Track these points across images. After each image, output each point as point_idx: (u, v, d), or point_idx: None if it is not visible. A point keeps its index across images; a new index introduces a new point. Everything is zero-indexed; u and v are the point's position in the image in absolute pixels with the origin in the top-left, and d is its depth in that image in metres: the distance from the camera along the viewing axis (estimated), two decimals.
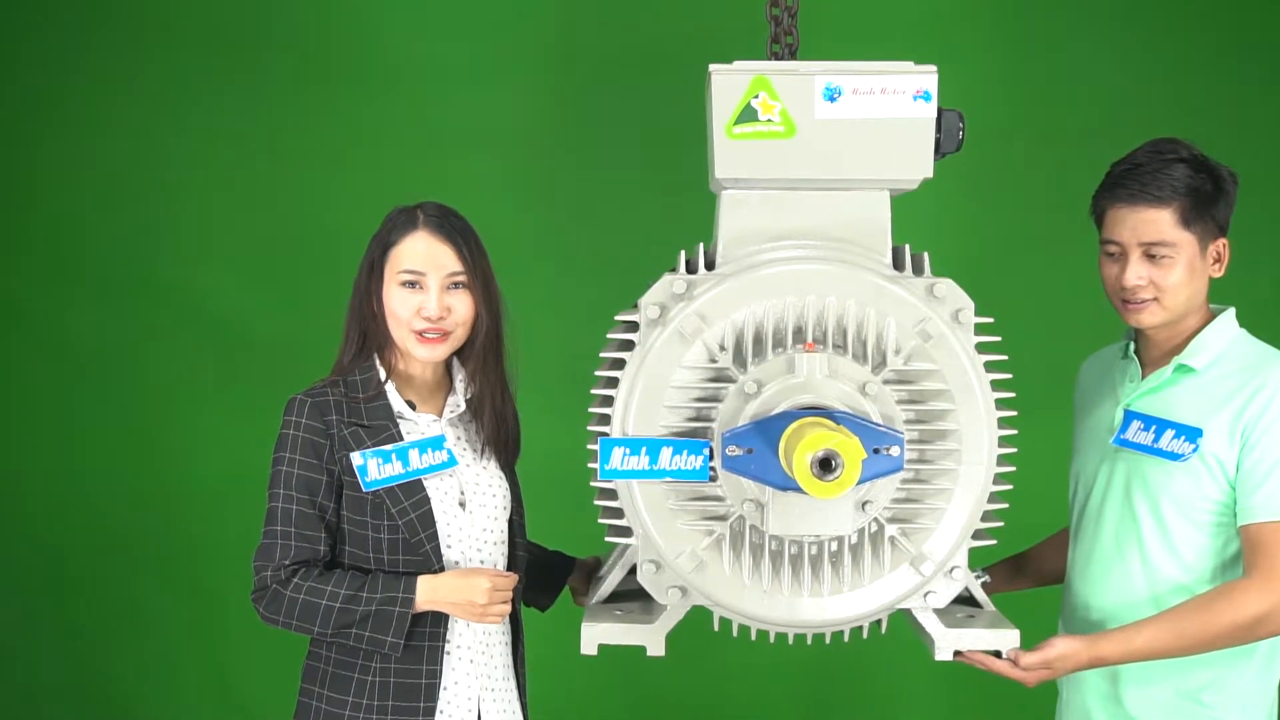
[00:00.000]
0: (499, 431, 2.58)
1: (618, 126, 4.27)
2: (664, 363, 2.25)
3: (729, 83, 2.30)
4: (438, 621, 2.43)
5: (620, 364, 2.34)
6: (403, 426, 2.48)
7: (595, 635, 2.39)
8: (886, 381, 2.25)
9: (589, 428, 2.38)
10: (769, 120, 2.31)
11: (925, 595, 2.33)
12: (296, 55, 4.30)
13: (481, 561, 2.50)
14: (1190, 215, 2.39)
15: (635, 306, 2.33)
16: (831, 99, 2.31)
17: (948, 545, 2.29)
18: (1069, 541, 2.64)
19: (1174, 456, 2.40)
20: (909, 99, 2.31)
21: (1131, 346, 2.56)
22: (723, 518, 2.27)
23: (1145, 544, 2.45)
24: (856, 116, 2.30)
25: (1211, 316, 2.47)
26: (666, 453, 2.25)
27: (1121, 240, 2.43)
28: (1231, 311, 2.47)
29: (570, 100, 4.35)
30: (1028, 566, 2.81)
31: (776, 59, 2.73)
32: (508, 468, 2.62)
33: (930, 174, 2.33)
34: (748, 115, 2.31)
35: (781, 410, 2.20)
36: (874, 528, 2.28)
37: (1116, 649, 2.33)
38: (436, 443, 2.47)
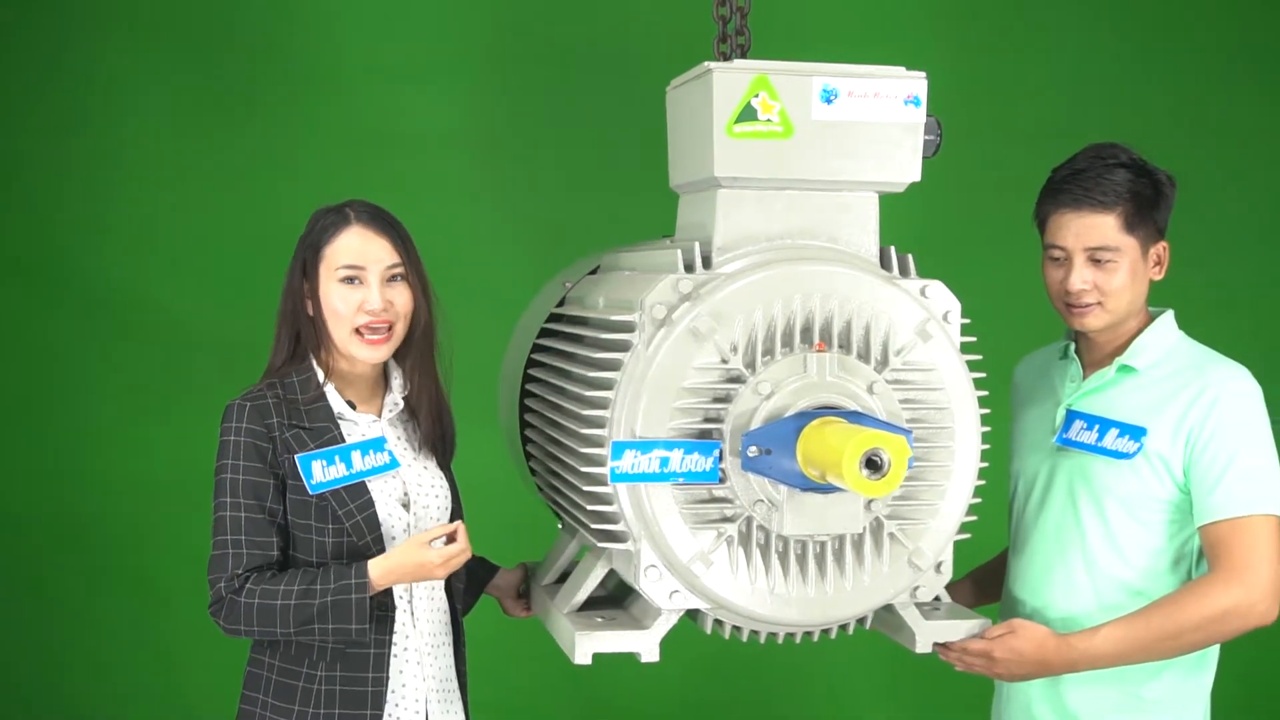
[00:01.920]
0: (435, 429, 2.56)
1: (560, 127, 4.33)
2: (676, 363, 2.21)
3: (730, 81, 2.28)
4: (383, 626, 2.41)
5: (605, 365, 2.29)
6: (344, 427, 2.46)
7: (590, 645, 2.33)
8: (889, 381, 2.28)
9: (585, 430, 2.31)
10: (768, 120, 2.30)
11: (915, 590, 2.38)
12: (243, 55, 4.28)
13: None
14: (1133, 220, 2.46)
15: (637, 307, 2.27)
16: (828, 100, 2.32)
17: (941, 540, 2.35)
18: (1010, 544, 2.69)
19: (1120, 455, 2.45)
20: (900, 103, 2.35)
21: (1072, 347, 2.62)
22: (731, 519, 2.25)
23: (1088, 543, 2.49)
24: (851, 119, 2.33)
25: (1151, 318, 2.55)
26: (677, 454, 2.22)
27: (1066, 245, 2.49)
28: (1170, 314, 2.55)
29: (513, 100, 4.40)
30: (990, 580, 2.80)
31: (724, 59, 2.74)
32: (444, 466, 2.60)
33: (918, 177, 2.38)
34: (748, 114, 2.29)
35: (798, 411, 2.20)
36: (874, 525, 2.31)
37: (1082, 640, 2.38)
38: (378, 444, 2.45)
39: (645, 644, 2.34)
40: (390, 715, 2.42)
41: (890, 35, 4.34)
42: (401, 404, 2.56)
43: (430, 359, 2.56)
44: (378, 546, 2.39)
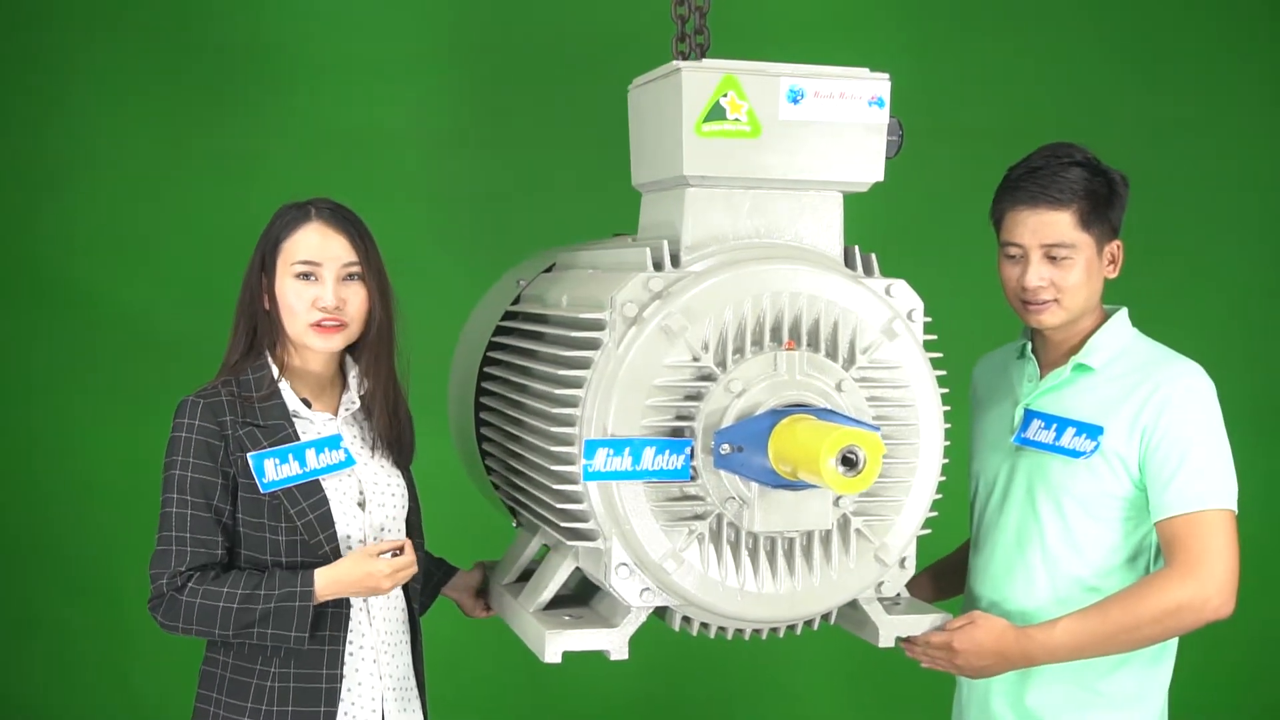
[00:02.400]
0: (391, 429, 2.56)
1: (520, 125, 4.34)
2: (647, 361, 2.21)
3: (699, 80, 2.28)
4: (338, 624, 2.41)
5: (574, 363, 2.29)
6: (298, 425, 2.45)
7: (560, 643, 2.33)
8: (856, 379, 2.30)
9: (554, 429, 2.30)
10: (736, 120, 2.31)
11: (880, 585, 2.41)
12: (209, 54, 4.25)
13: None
14: (1089, 217, 2.49)
15: (607, 304, 2.27)
16: (795, 101, 2.34)
17: (905, 536, 2.38)
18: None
19: (1076, 454, 2.49)
20: (865, 104, 2.37)
21: (1028, 347, 2.65)
22: (701, 517, 2.26)
23: (1047, 541, 2.52)
24: (817, 119, 2.35)
25: (1105, 317, 2.59)
26: (649, 453, 2.22)
27: (1022, 242, 2.52)
28: (1124, 311, 2.59)
29: (473, 98, 4.40)
30: (952, 574, 2.83)
31: (683, 58, 2.75)
32: (402, 467, 2.59)
33: (881, 177, 2.41)
34: (716, 113, 2.30)
35: (770, 408, 2.21)
36: (841, 522, 2.33)
37: (1041, 633, 2.41)
38: (333, 442, 2.44)
39: (615, 642, 2.34)
40: (346, 714, 2.43)
41: (849, 35, 4.39)
42: (358, 402, 2.55)
43: (386, 359, 2.55)
44: (331, 545, 2.40)
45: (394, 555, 2.39)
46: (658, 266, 2.30)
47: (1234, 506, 2.41)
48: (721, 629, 2.39)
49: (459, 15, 4.38)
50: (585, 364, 2.28)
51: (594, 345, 2.28)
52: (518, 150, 4.39)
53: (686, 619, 2.37)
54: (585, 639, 2.34)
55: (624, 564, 2.27)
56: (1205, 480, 2.40)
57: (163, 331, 4.27)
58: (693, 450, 2.23)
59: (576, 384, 2.28)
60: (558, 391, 2.32)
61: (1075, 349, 2.58)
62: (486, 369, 2.85)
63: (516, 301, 2.87)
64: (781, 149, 2.33)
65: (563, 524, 2.35)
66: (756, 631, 2.41)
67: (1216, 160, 4.66)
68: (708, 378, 2.24)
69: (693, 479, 2.24)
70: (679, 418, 2.24)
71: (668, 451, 2.23)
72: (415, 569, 2.44)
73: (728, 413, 2.22)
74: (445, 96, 4.40)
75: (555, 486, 2.31)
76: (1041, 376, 2.61)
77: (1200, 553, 2.37)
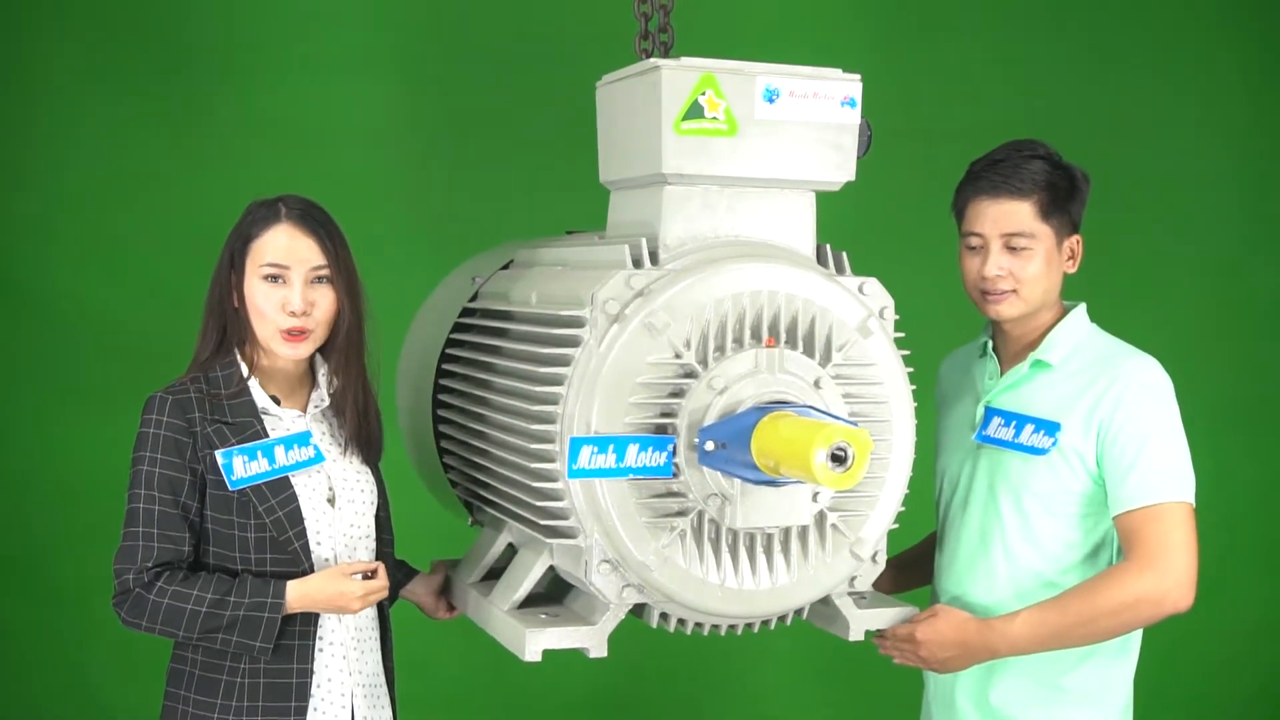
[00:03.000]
0: (361, 429, 2.55)
1: (490, 123, 4.34)
2: (631, 359, 2.21)
3: (678, 79, 2.29)
4: (308, 620, 2.40)
5: (553, 360, 2.29)
6: (267, 423, 2.44)
7: (540, 642, 2.32)
8: (832, 376, 2.33)
9: (534, 427, 2.29)
10: (714, 118, 2.32)
11: (853, 580, 2.43)
12: (168, 49, 4.19)
13: (349, 557, 2.47)
14: (1049, 208, 2.52)
15: (587, 302, 2.27)
16: (770, 100, 2.36)
17: (879, 530, 2.41)
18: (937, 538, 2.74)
19: (1035, 451, 2.51)
20: (837, 104, 2.40)
21: (989, 344, 2.68)
22: (683, 513, 2.27)
23: (1008, 537, 2.54)
24: (792, 119, 2.36)
25: (1064, 312, 2.62)
26: (633, 450, 2.22)
27: (983, 232, 2.55)
28: (1083, 307, 2.63)
29: (442, 95, 4.39)
30: (914, 567, 2.85)
31: (646, 56, 2.76)
32: (371, 464, 2.59)
33: (853, 177, 2.43)
34: (694, 112, 2.31)
35: (751, 405, 2.23)
36: (818, 518, 2.35)
37: (1002, 624, 2.44)
38: (303, 439, 2.44)
39: (594, 639, 2.35)
40: (316, 709, 2.42)
41: (812, 34, 4.42)
42: (328, 400, 2.55)
43: (356, 360, 2.54)
44: (300, 542, 2.39)
45: (366, 577, 2.41)
46: (637, 264, 2.31)
47: (1191, 499, 2.45)
48: (698, 625, 2.40)
49: (426, 13, 4.39)
50: (565, 361, 2.27)
51: (574, 343, 2.28)
52: (484, 148, 4.39)
53: (664, 615, 2.37)
54: (565, 637, 2.34)
55: (606, 561, 2.27)
56: (1162, 474, 2.44)
57: (129, 329, 4.26)
58: (675, 447, 2.24)
59: (556, 381, 2.28)
60: (536, 389, 2.31)
61: (1034, 345, 2.60)
62: (446, 366, 2.83)
63: (474, 299, 2.85)
64: (757, 148, 2.35)
65: (541, 521, 2.34)
66: (732, 627, 2.43)
67: (1174, 159, 4.74)
68: (690, 375, 2.25)
69: (675, 475, 2.25)
70: (662, 415, 2.24)
71: (651, 449, 2.23)
72: (386, 593, 2.47)
73: (710, 410, 2.23)
74: (411, 94, 4.40)
75: (535, 484, 2.30)
76: (1001, 374, 2.64)
77: (1158, 546, 2.40)
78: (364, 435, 2.56)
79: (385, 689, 2.57)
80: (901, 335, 2.44)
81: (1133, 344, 2.59)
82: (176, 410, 2.37)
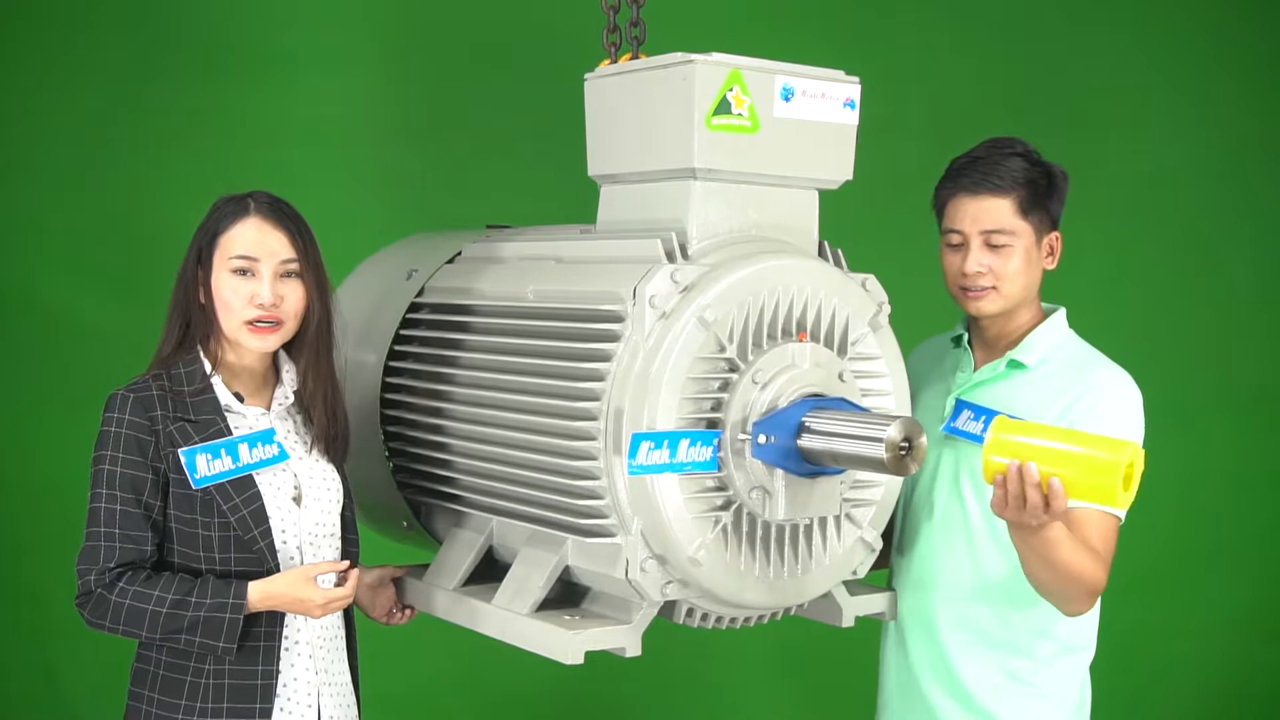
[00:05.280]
0: (330, 427, 2.51)
1: (461, 118, 4.28)
2: (684, 354, 2.20)
3: (710, 74, 2.30)
4: (274, 620, 2.39)
5: (590, 356, 2.26)
6: (231, 420, 2.40)
7: (581, 643, 2.27)
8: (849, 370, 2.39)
9: (573, 424, 2.24)
10: (739, 115, 2.34)
11: (855, 568, 2.50)
12: (130, 40, 4.07)
13: (314, 556, 2.44)
14: (1028, 205, 2.55)
15: (625, 297, 2.24)
16: (787, 99, 2.40)
17: (881, 520, 2.49)
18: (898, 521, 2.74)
19: None
20: (841, 105, 2.47)
21: (965, 338, 2.71)
22: (725, 507, 2.28)
23: (972, 530, 2.59)
24: (804, 118, 2.41)
25: (1043, 314, 2.64)
26: (684, 445, 2.21)
27: (963, 229, 2.57)
28: (1063, 312, 2.68)
29: (412, 91, 4.30)
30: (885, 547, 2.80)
31: (614, 48, 2.74)
32: (337, 463, 2.54)
33: (851, 176, 2.51)
34: (723, 108, 2.33)
35: (794, 399, 2.26)
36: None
37: None
38: (266, 436, 2.40)
39: (631, 638, 2.32)
40: (281, 710, 2.40)
41: (775, 28, 4.41)
42: (292, 398, 2.50)
43: (326, 356, 2.50)
44: (265, 540, 2.36)
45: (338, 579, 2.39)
46: (670, 258, 2.29)
47: (1123, 517, 2.50)
48: (718, 619, 2.41)
49: (400, 8, 4.31)
50: (606, 356, 2.24)
51: (613, 337, 2.25)
52: (462, 144, 4.34)
53: (689, 611, 2.37)
54: (604, 637, 2.31)
55: (650, 558, 2.25)
56: None
57: (95, 327, 4.14)
58: (719, 441, 2.24)
59: (598, 377, 2.24)
60: (576, 385, 2.27)
61: (1012, 345, 2.63)
62: (396, 364, 2.72)
63: (421, 294, 2.76)
64: (775, 145, 2.38)
65: (573, 520, 2.30)
66: (746, 620, 2.45)
67: (1134, 159, 4.81)
68: (733, 369, 2.26)
69: (719, 470, 2.25)
70: (711, 409, 2.24)
71: (699, 443, 2.23)
72: (350, 601, 2.43)
73: (755, 403, 2.25)
74: (383, 89, 4.33)
75: (573, 482, 2.26)
76: (976, 369, 2.67)
77: (1101, 547, 2.45)
78: (332, 433, 2.51)
79: (350, 688, 2.55)
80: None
81: (1095, 344, 2.66)
82: (138, 408, 2.33)
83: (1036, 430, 2.18)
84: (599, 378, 2.24)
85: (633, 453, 2.17)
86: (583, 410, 2.25)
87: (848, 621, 2.57)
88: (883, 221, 3.88)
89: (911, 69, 4.57)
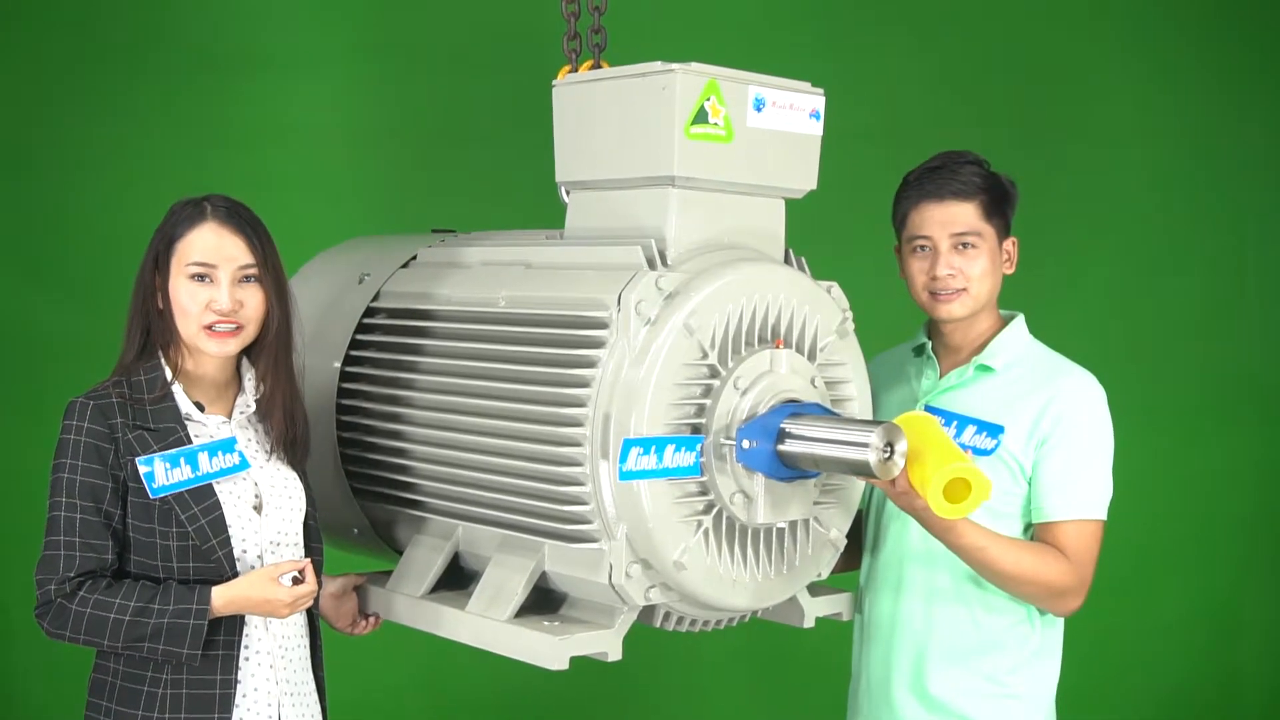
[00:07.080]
0: (288, 432, 2.49)
1: (431, 122, 4.24)
2: (670, 360, 2.23)
3: (690, 83, 2.32)
4: (232, 629, 2.36)
5: (573, 362, 2.27)
6: (191, 429, 2.38)
7: (567, 648, 2.28)
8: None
9: (558, 430, 2.25)
10: (715, 124, 2.38)
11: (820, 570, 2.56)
12: (105, 45, 4.00)
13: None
14: (990, 209, 2.61)
15: (608, 304, 2.25)
16: (759, 109, 2.44)
17: (846, 523, 2.54)
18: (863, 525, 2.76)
19: (980, 451, 2.54)
20: (807, 116, 2.52)
21: (929, 346, 2.72)
22: (707, 511, 2.30)
23: None
24: (774, 128, 2.46)
25: (1002, 320, 2.69)
26: (670, 450, 2.24)
27: (931, 235, 2.60)
28: (1022, 317, 2.73)
29: (380, 95, 4.25)
30: (852, 548, 2.77)
31: (574, 54, 2.75)
32: (298, 468, 2.52)
33: (815, 186, 2.56)
34: (701, 117, 2.36)
35: (772, 405, 2.30)
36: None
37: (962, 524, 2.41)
38: (227, 445, 2.38)
39: (613, 643, 2.34)
40: (242, 719, 2.37)
41: (740, 34, 4.41)
42: (254, 406, 2.46)
43: (285, 360, 2.47)
44: (224, 550, 2.33)
45: (296, 579, 2.35)
46: (651, 265, 2.32)
47: (1105, 516, 2.60)
48: (693, 622, 2.44)
49: (370, 11, 4.26)
50: (590, 363, 2.26)
51: (597, 344, 2.26)
52: (428, 147, 4.30)
53: (667, 615, 2.39)
54: (589, 642, 2.32)
55: (635, 563, 2.27)
56: (1089, 491, 2.57)
57: (54, 333, 4.07)
58: (701, 447, 2.27)
59: (583, 384, 2.25)
60: (560, 391, 2.27)
61: (976, 351, 2.66)
62: (352, 369, 2.69)
63: (377, 299, 2.73)
64: (747, 155, 2.42)
65: (554, 525, 2.30)
66: (719, 623, 2.48)
67: (1089, 163, 4.88)
68: (714, 375, 2.29)
69: (701, 475, 2.28)
70: (695, 415, 2.27)
71: (684, 449, 2.26)
72: (315, 595, 2.40)
73: (737, 409, 2.29)
74: (351, 93, 4.29)
75: (558, 488, 2.26)
76: (942, 376, 2.70)
77: (1076, 554, 2.54)
78: (290, 437, 2.48)
79: (315, 696, 2.52)
80: None
81: (1056, 348, 2.70)
82: (98, 415, 2.30)
83: (935, 429, 2.28)
84: (585, 384, 2.25)
85: (623, 458, 2.18)
86: (569, 416, 2.26)
87: (809, 622, 2.62)
88: (839, 228, 3.89)
89: (868, 74, 4.63)
